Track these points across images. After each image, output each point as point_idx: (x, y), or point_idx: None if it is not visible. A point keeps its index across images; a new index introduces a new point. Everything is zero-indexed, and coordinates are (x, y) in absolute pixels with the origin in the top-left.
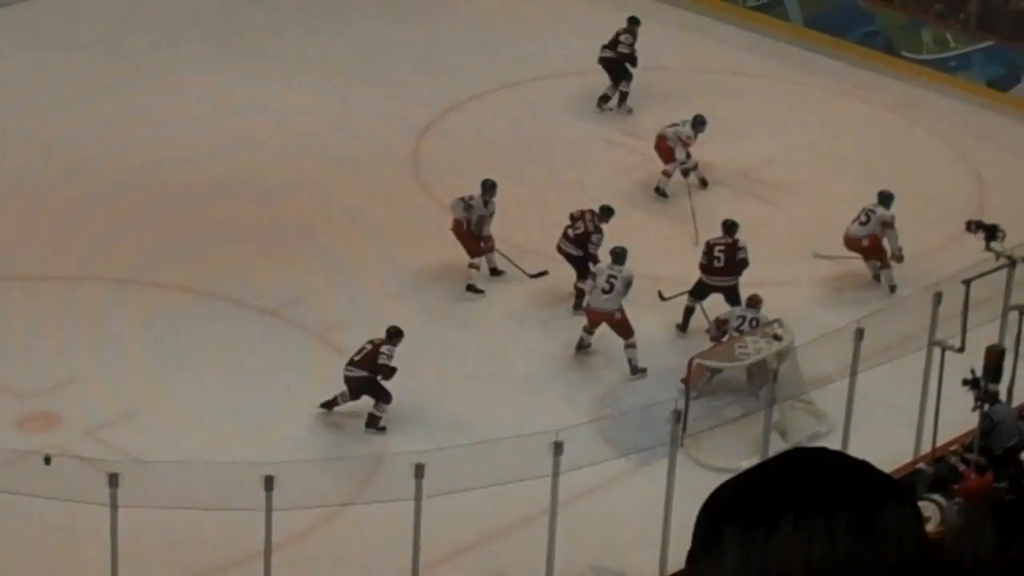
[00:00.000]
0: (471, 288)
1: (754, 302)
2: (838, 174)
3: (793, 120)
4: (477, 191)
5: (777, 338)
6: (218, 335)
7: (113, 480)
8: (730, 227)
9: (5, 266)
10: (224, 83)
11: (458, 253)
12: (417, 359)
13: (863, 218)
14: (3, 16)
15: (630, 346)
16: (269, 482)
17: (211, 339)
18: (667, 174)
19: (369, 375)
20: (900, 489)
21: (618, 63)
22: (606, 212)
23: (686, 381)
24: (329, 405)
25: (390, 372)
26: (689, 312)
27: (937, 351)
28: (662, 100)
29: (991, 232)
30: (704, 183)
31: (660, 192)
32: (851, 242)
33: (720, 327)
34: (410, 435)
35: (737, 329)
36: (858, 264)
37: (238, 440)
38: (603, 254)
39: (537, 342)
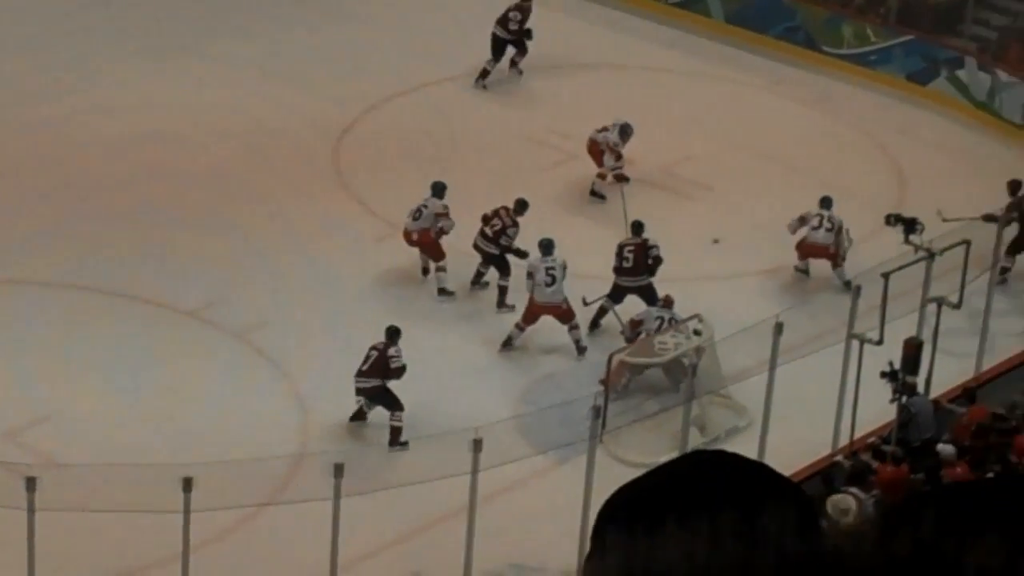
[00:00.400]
0: (443, 291)
1: (668, 303)
2: (759, 169)
3: (714, 116)
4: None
5: (697, 333)
6: (135, 335)
7: (30, 484)
8: (638, 227)
9: None
10: (143, 82)
11: (384, 250)
12: (333, 359)
13: (827, 224)
14: None
15: (574, 328)
16: (188, 483)
17: (128, 340)
18: (602, 176)
19: (381, 382)
20: (794, 490)
21: (506, 42)
22: (521, 206)
23: (605, 380)
24: (359, 416)
25: (403, 372)
26: (602, 312)
27: (856, 344)
28: (584, 97)
29: (910, 225)
30: (625, 179)
31: (596, 194)
32: (817, 249)
33: (635, 328)
34: (329, 435)
35: (657, 330)
36: (780, 260)
37: (156, 442)
38: (528, 248)
39: (455, 340)
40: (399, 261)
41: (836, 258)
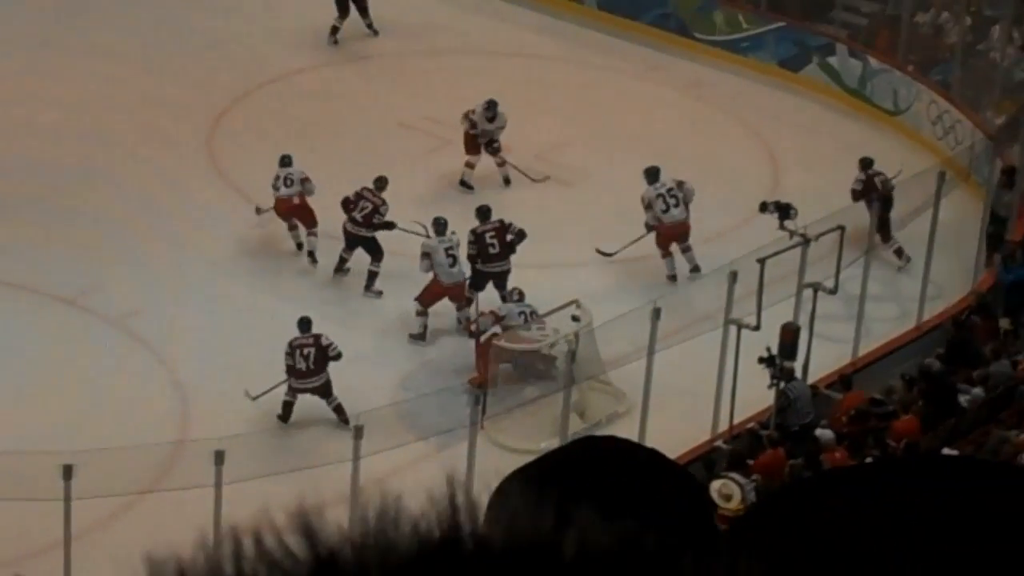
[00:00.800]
0: (313, 256)
1: (520, 295)
2: (633, 156)
3: (588, 102)
4: (273, 176)
5: (575, 319)
6: (11, 323)
7: None
8: (486, 212)
9: None
10: (8, 74)
11: (256, 236)
12: (211, 345)
13: (674, 197)
14: None
15: (464, 307)
16: (68, 471)
17: (3, 327)
18: (470, 165)
19: (327, 375)
20: (686, 476)
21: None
22: (381, 181)
23: (481, 369)
24: (288, 413)
25: (340, 356)
26: (468, 303)
27: (733, 329)
28: (456, 83)
29: (785, 211)
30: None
31: (465, 184)
32: (678, 228)
33: (497, 323)
34: (209, 421)
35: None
36: (652, 243)
37: (35, 429)
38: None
39: (330, 327)
40: (276, 248)
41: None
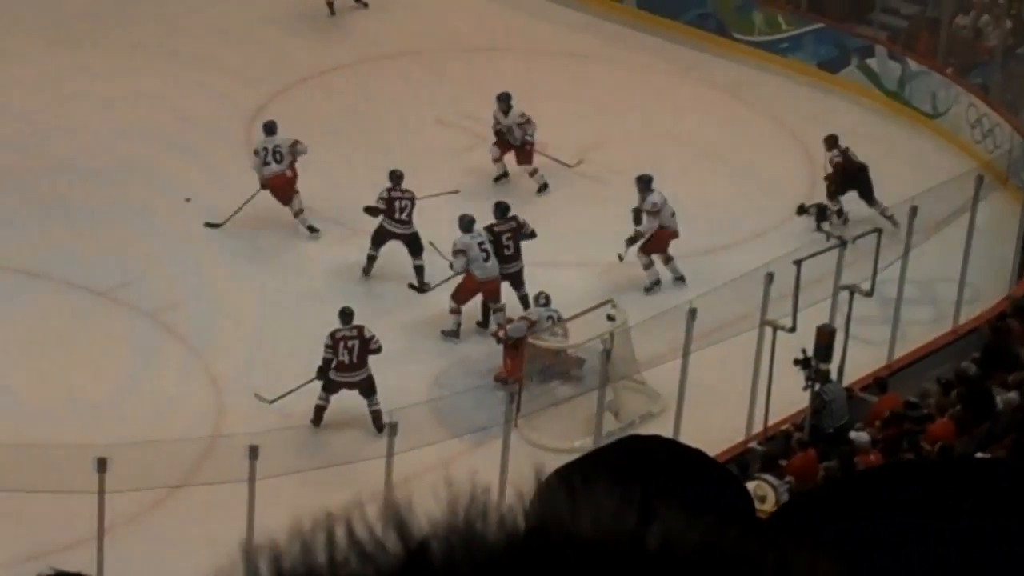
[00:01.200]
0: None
1: (547, 299)
2: (672, 155)
3: (626, 101)
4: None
5: (611, 318)
6: (49, 315)
7: None
8: (504, 209)
9: None
10: (51, 72)
11: (292, 231)
12: (247, 340)
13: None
14: None
15: (502, 308)
16: (102, 464)
17: (41, 319)
18: (497, 161)
19: (369, 370)
20: (731, 476)
21: None
22: (398, 176)
23: (508, 364)
24: (320, 417)
25: (380, 350)
26: (486, 308)
27: (769, 331)
28: (496, 82)
29: (822, 213)
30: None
31: (499, 180)
32: (669, 234)
33: (531, 327)
34: (244, 416)
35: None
36: (692, 245)
37: (71, 422)
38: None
39: (369, 324)
40: (314, 242)
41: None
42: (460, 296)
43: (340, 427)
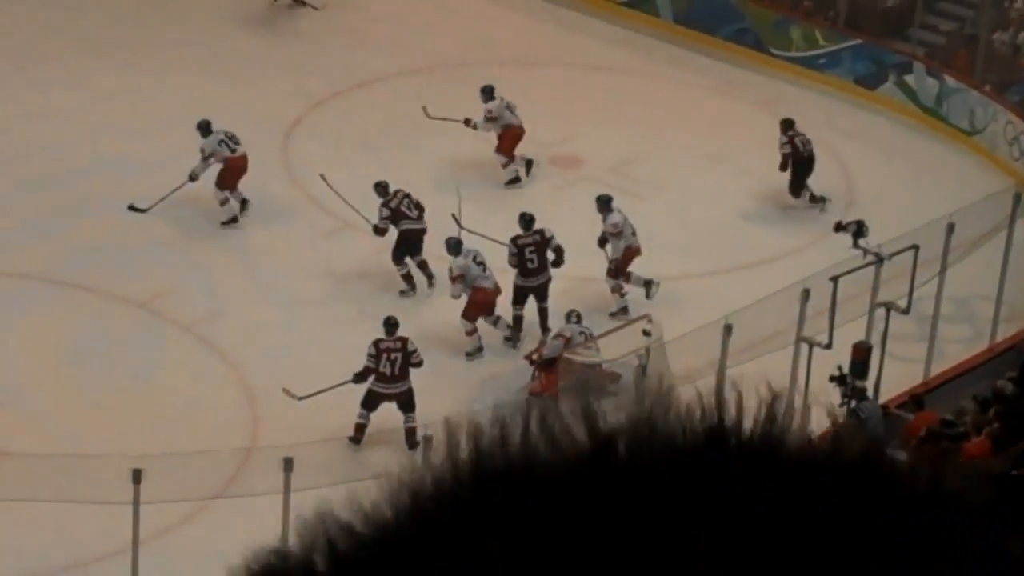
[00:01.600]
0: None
1: (579, 317)
2: (709, 170)
3: (664, 116)
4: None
5: (646, 333)
6: (85, 325)
7: None
8: (530, 220)
9: None
10: (89, 82)
11: (331, 249)
12: (283, 352)
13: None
14: None
15: (499, 317)
16: (137, 475)
17: (78, 330)
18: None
19: (409, 385)
20: None
21: None
22: (383, 187)
23: (541, 380)
24: (361, 434)
25: (421, 364)
26: (519, 321)
27: (805, 347)
28: (533, 95)
29: (858, 230)
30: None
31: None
32: (635, 251)
33: (567, 344)
34: (279, 428)
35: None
36: (728, 261)
37: (106, 433)
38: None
39: (424, 332)
40: (350, 255)
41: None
42: (471, 313)
43: (375, 440)
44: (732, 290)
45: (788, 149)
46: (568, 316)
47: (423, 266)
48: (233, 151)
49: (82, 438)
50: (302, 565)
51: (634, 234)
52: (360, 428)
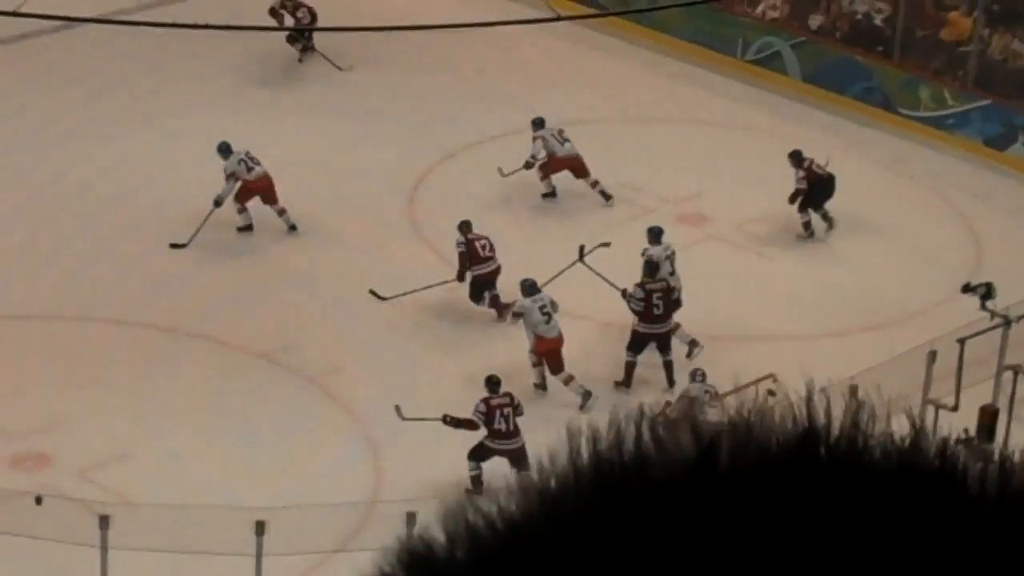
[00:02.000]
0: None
1: (703, 376)
2: (836, 231)
3: (789, 174)
4: (232, 163)
5: (771, 393)
6: (212, 377)
7: (104, 522)
8: (654, 268)
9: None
10: (216, 132)
11: (452, 297)
12: (406, 406)
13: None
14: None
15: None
16: (260, 527)
17: (204, 381)
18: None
19: (522, 441)
20: None
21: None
22: (467, 225)
23: None
24: (479, 486)
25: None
26: (631, 368)
27: (931, 409)
28: (659, 152)
29: (987, 292)
30: (606, 197)
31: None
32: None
33: (691, 405)
34: (401, 482)
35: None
36: (854, 322)
37: (230, 484)
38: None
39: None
40: (474, 311)
41: None
42: (535, 357)
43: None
44: (858, 351)
45: (804, 185)
46: (693, 375)
47: (495, 300)
48: (250, 171)
49: (206, 488)
50: (448, 555)
51: (672, 273)
52: (476, 480)
